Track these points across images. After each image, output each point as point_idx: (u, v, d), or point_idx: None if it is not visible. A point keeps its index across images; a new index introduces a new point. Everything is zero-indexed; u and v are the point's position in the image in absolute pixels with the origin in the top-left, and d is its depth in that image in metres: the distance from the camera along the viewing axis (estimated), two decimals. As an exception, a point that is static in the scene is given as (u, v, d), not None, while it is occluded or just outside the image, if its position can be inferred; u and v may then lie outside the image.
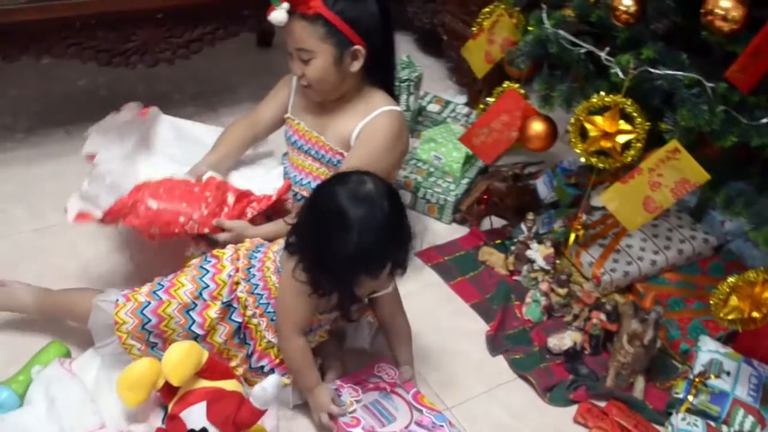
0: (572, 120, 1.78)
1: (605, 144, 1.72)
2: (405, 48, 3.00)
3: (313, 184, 1.89)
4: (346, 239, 1.45)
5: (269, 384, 1.45)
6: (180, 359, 1.49)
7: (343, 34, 1.74)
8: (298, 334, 1.61)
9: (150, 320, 1.59)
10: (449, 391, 1.84)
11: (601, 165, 1.76)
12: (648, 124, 1.67)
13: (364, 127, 1.83)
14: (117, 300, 1.61)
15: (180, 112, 2.20)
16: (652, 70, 1.62)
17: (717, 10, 1.52)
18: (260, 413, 1.48)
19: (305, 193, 1.91)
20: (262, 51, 2.99)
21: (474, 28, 2.23)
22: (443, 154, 2.35)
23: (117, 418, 1.57)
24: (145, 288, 1.64)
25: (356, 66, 1.79)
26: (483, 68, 2.20)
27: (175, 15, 2.20)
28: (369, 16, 1.77)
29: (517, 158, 2.49)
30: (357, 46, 1.76)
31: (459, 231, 2.31)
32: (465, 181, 2.35)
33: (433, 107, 2.62)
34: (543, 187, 2.33)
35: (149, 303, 1.60)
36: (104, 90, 2.62)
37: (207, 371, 1.53)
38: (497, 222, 2.33)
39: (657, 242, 2.15)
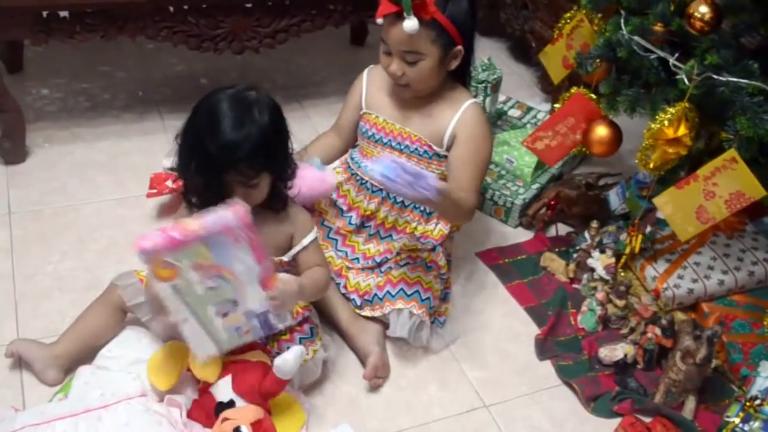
0: (644, 143, 1.74)
1: (674, 150, 1.67)
2: (496, 54, 3.01)
3: None
4: (219, 130, 1.46)
5: (291, 355, 1.50)
6: None
7: (449, 36, 1.77)
8: None
9: None
10: (490, 389, 1.84)
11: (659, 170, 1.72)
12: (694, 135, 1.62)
13: (458, 123, 1.86)
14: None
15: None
16: (715, 76, 1.58)
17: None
18: (284, 383, 1.52)
19: (374, 182, 1.92)
20: (354, 49, 3.07)
21: (554, 33, 2.22)
22: (515, 158, 2.34)
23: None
24: None
25: (454, 65, 1.83)
26: (560, 73, 2.18)
27: (263, 5, 2.29)
28: (466, 16, 1.80)
29: (595, 168, 2.46)
30: (459, 47, 1.80)
31: (524, 235, 2.29)
32: (535, 186, 2.33)
33: (515, 112, 2.62)
34: (615, 198, 2.28)
35: None
36: (200, 75, 2.76)
37: None
38: (564, 229, 2.30)
39: (727, 262, 2.07)
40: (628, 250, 2.01)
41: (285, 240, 1.65)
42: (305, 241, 1.65)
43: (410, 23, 1.69)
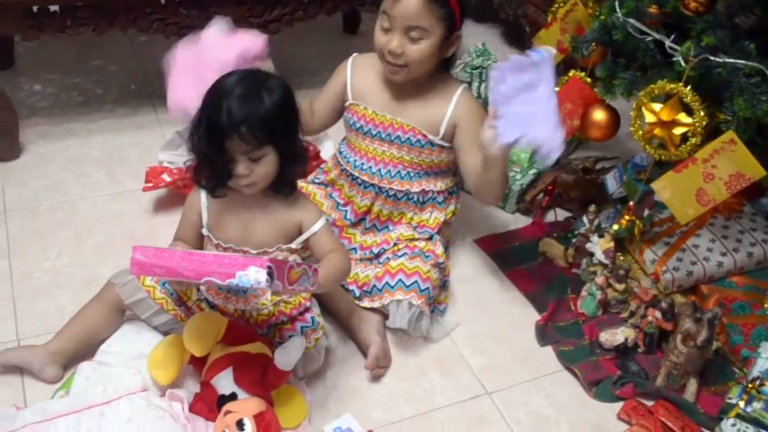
0: (634, 105, 1.74)
1: (659, 133, 1.67)
2: (490, 40, 3.00)
3: (375, 169, 1.91)
4: (225, 96, 1.47)
5: (291, 346, 1.49)
6: (199, 331, 1.55)
7: (455, 18, 1.75)
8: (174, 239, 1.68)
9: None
10: (491, 376, 1.84)
11: (656, 155, 1.71)
12: (706, 118, 1.61)
13: (455, 110, 1.85)
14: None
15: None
16: (711, 57, 1.57)
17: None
18: (286, 374, 1.52)
19: (365, 178, 1.92)
20: (347, 37, 3.05)
21: (548, 18, 2.21)
22: (512, 144, 2.33)
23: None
24: None
25: (451, 51, 1.81)
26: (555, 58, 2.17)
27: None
28: (464, 3, 1.79)
29: (592, 153, 2.46)
30: (459, 32, 1.79)
31: (522, 221, 2.29)
32: (532, 171, 2.32)
33: (510, 98, 2.61)
34: (612, 182, 2.28)
35: None
36: (192, 68, 2.74)
37: (229, 337, 1.59)
38: (562, 214, 2.30)
39: (726, 243, 2.07)
40: (616, 228, 2.00)
41: (294, 227, 1.63)
42: (315, 228, 1.62)
43: None
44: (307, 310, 1.72)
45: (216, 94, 1.50)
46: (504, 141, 1.64)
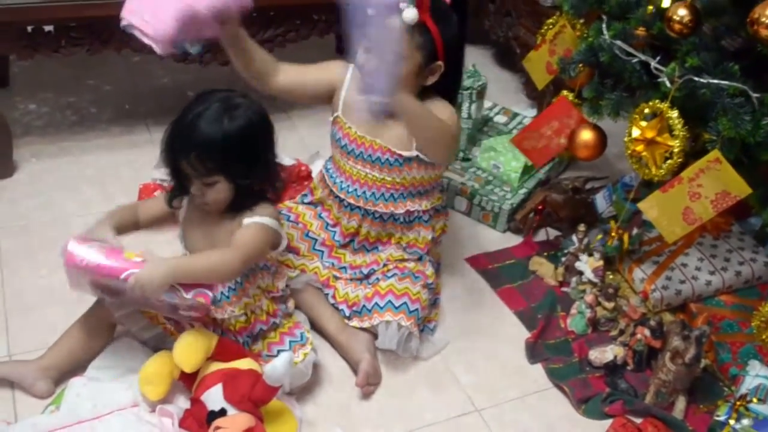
0: (630, 122, 1.76)
1: (641, 150, 1.69)
2: (481, 61, 3.03)
3: (360, 191, 1.91)
4: (185, 116, 1.54)
5: (280, 362, 1.50)
6: (189, 347, 1.56)
7: (435, 48, 1.75)
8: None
9: None
10: (481, 393, 1.84)
11: (639, 173, 1.74)
12: (685, 141, 1.64)
13: None
14: None
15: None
16: (696, 78, 1.60)
17: (763, 19, 1.48)
18: (274, 390, 1.52)
19: (351, 201, 1.92)
20: (340, 58, 3.07)
21: (537, 39, 2.24)
22: (502, 164, 2.36)
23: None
24: None
25: (431, 80, 1.79)
26: (543, 79, 2.19)
27: (248, 16, 2.29)
28: (453, 37, 1.79)
29: (582, 172, 2.48)
30: (439, 62, 1.77)
31: (512, 240, 2.31)
32: (522, 191, 2.34)
33: (500, 118, 2.63)
34: (602, 201, 2.30)
35: None
36: (186, 87, 2.76)
37: (219, 354, 1.60)
38: (552, 233, 2.32)
39: (714, 262, 2.09)
40: (612, 248, 2.02)
41: (232, 233, 1.65)
42: (247, 221, 1.63)
43: (410, 12, 1.67)
44: (296, 324, 1.73)
45: (184, 112, 1.55)
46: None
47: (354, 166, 1.91)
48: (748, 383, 1.81)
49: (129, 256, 1.52)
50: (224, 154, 1.53)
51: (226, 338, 1.66)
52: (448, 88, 1.88)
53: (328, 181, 1.98)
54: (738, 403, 1.76)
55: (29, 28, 2.14)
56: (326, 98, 1.93)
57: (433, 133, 1.79)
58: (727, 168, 1.56)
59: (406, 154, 1.85)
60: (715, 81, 1.57)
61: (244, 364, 1.60)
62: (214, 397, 1.54)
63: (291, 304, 1.82)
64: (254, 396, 1.54)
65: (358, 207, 1.92)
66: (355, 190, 1.92)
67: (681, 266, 2.08)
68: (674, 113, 1.64)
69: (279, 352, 1.66)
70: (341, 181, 1.94)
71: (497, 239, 2.31)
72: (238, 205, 1.63)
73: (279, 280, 1.77)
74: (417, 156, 1.85)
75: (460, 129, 1.91)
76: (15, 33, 2.12)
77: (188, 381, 1.61)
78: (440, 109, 1.82)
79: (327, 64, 1.95)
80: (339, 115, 1.91)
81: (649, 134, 1.67)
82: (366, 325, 1.85)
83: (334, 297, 1.92)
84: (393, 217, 1.92)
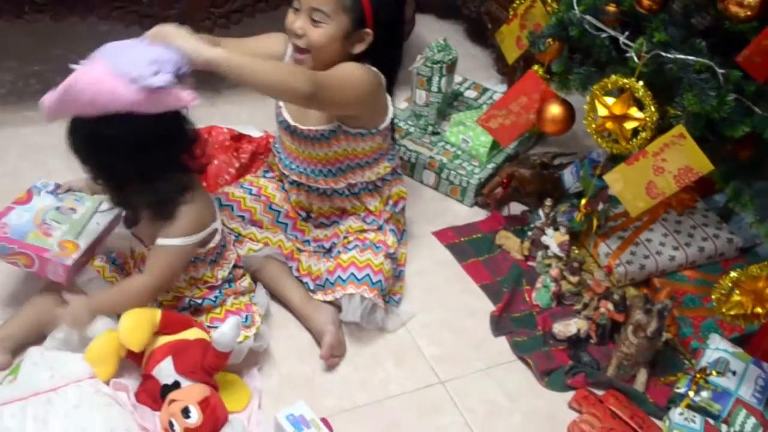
0: (588, 98, 1.76)
1: (610, 126, 1.70)
2: (452, 36, 3.02)
3: (301, 168, 1.90)
4: None
5: (227, 327, 1.51)
6: (133, 325, 1.54)
7: (363, 14, 1.72)
8: None
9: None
10: (446, 365, 1.86)
11: (607, 149, 1.74)
12: (656, 114, 1.64)
13: None
14: None
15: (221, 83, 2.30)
16: (663, 54, 1.60)
17: (732, -5, 1.49)
18: (226, 355, 1.53)
19: (294, 177, 1.92)
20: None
21: (510, 14, 2.23)
22: (471, 138, 2.35)
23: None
24: None
25: (358, 48, 1.76)
26: (514, 54, 2.19)
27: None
28: (388, 7, 1.76)
29: (551, 148, 2.49)
30: (368, 30, 1.74)
31: (479, 214, 2.31)
32: (491, 165, 2.35)
33: (471, 93, 2.63)
34: (569, 177, 2.31)
35: None
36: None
37: (165, 327, 1.59)
38: (519, 208, 2.32)
39: (678, 238, 2.11)
40: (578, 223, 2.03)
41: (156, 233, 1.64)
42: (159, 242, 1.62)
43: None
44: (246, 307, 1.76)
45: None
46: None
47: (292, 143, 1.90)
48: (708, 356, 1.84)
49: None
50: (97, 157, 1.55)
51: (169, 311, 1.65)
52: (385, 63, 1.82)
53: (276, 159, 1.98)
54: (698, 375, 1.78)
55: (-10, -7, 2.10)
56: None
57: (270, 80, 1.60)
58: (690, 143, 1.57)
59: (326, 127, 1.82)
60: (682, 56, 1.58)
61: (192, 334, 1.59)
62: (165, 371, 1.54)
63: (245, 283, 1.81)
64: (206, 364, 1.53)
65: (302, 183, 1.92)
66: (297, 167, 1.92)
67: (645, 241, 2.10)
68: (641, 87, 1.64)
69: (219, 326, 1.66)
70: (284, 158, 1.95)
71: (465, 213, 2.31)
72: (157, 203, 1.60)
73: (219, 269, 1.74)
74: (340, 127, 1.81)
75: (368, 83, 1.77)
76: (-25, -2, 2.08)
77: (136, 358, 1.60)
78: (344, 67, 1.75)
79: (267, 36, 1.90)
80: None
81: (618, 110, 1.67)
82: (329, 298, 1.85)
83: (298, 270, 1.92)
84: (336, 191, 1.92)
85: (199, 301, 1.72)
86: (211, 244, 1.69)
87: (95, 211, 1.82)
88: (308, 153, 1.88)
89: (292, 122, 1.86)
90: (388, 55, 1.83)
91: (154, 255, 1.62)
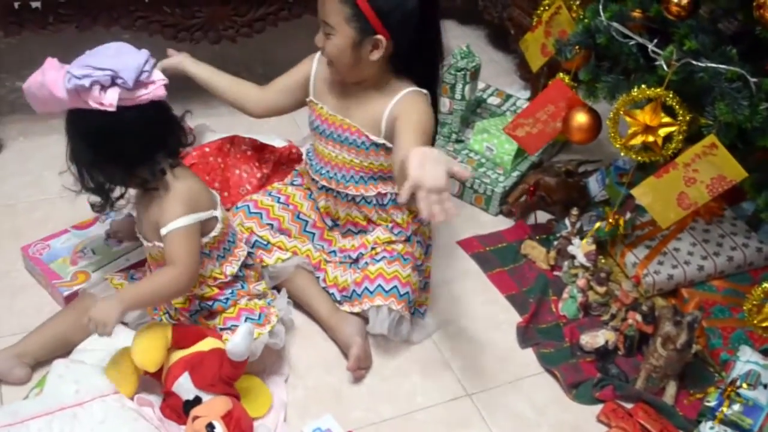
0: (611, 114, 1.74)
1: (647, 138, 1.67)
2: (475, 42, 3.01)
3: (332, 173, 1.89)
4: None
5: (239, 337, 1.50)
6: (146, 346, 1.53)
7: (367, 22, 1.68)
8: None
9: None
10: (472, 378, 1.84)
11: (641, 159, 1.72)
12: (689, 115, 1.62)
13: (395, 106, 1.77)
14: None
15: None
16: (694, 62, 1.58)
17: (769, 3, 1.46)
18: (242, 364, 1.52)
19: (324, 183, 1.91)
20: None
21: (533, 20, 2.21)
22: (495, 146, 2.34)
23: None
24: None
25: (376, 55, 1.73)
26: (538, 61, 2.17)
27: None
28: (402, 10, 1.71)
29: (575, 155, 2.47)
30: (379, 36, 1.70)
31: (504, 223, 2.29)
32: (515, 173, 2.33)
33: (494, 100, 2.61)
34: (594, 185, 2.29)
35: None
36: (176, 66, 2.73)
37: (178, 341, 1.58)
38: (544, 217, 2.30)
39: (707, 247, 2.08)
40: (605, 232, 2.01)
41: (154, 226, 1.63)
42: (163, 231, 1.60)
43: None
44: (261, 309, 1.74)
45: None
46: None
47: (326, 147, 1.89)
48: (739, 369, 1.80)
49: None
50: (76, 141, 1.60)
51: (180, 325, 1.64)
52: (417, 69, 1.82)
53: (307, 165, 1.97)
54: (729, 388, 1.76)
55: (16, 4, 2.10)
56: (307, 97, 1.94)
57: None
58: (723, 152, 1.55)
59: (373, 138, 1.82)
60: (713, 65, 1.55)
61: (206, 345, 1.58)
62: (184, 387, 1.53)
63: (260, 287, 1.79)
64: (224, 374, 1.53)
65: (331, 188, 1.91)
66: (327, 171, 1.91)
67: (673, 251, 2.07)
68: (672, 95, 1.62)
69: (233, 326, 1.65)
70: (316, 163, 1.94)
71: (489, 222, 2.29)
72: (141, 181, 1.62)
73: (228, 266, 1.72)
74: (384, 144, 1.81)
75: (433, 121, 1.81)
76: (1, 9, 2.08)
77: (155, 375, 1.59)
78: (409, 103, 1.77)
79: (297, 66, 1.96)
80: (311, 99, 1.91)
81: (650, 120, 1.65)
82: (356, 310, 1.83)
83: (324, 280, 1.91)
84: (365, 199, 1.90)
85: (210, 303, 1.70)
86: (214, 233, 1.67)
87: (132, 249, 1.91)
88: (343, 158, 1.87)
89: (332, 113, 1.86)
90: (418, 59, 1.81)
91: (167, 245, 1.60)
